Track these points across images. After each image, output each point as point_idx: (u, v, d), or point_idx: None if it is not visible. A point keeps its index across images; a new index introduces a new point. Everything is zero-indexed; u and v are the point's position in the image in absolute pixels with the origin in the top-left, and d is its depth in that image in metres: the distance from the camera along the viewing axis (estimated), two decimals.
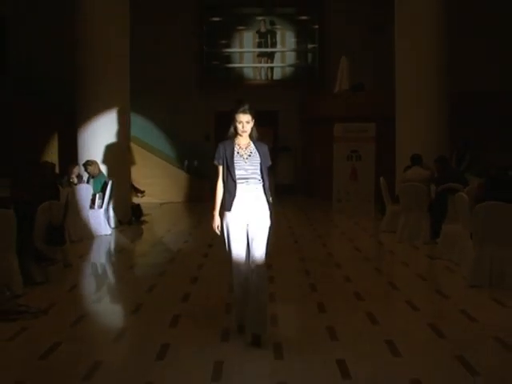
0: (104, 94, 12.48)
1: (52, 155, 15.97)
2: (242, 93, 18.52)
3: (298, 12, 19.69)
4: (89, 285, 7.92)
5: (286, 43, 19.71)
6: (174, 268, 8.56)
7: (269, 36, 19.63)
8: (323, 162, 16.73)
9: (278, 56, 19.78)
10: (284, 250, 9.95)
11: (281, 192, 17.91)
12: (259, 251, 5.11)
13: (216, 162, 5.22)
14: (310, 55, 19.84)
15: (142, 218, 13.12)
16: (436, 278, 8.12)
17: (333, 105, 16.88)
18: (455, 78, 13.37)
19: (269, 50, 19.68)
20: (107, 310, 6.68)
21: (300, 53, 19.85)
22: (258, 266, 5.09)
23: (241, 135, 5.22)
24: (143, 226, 12.67)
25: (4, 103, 16.17)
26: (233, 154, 5.15)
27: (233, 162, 5.12)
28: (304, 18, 19.67)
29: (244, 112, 5.22)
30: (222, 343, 5.12)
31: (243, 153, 5.18)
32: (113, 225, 11.82)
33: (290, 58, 19.83)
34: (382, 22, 17.30)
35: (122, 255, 10.16)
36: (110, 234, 11.29)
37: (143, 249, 10.66)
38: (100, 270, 8.69)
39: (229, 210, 5.14)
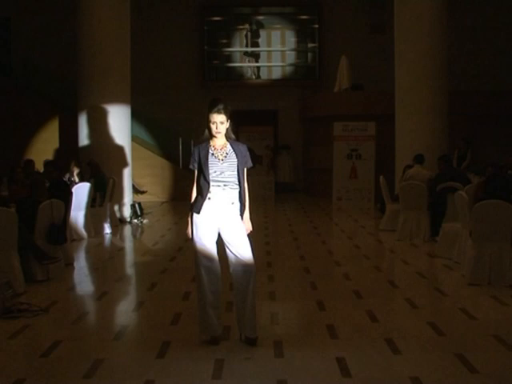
0: (105, 93, 12.53)
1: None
2: (243, 92, 18.60)
3: (298, 11, 19.70)
4: (90, 283, 7.94)
5: (286, 42, 19.72)
6: (174, 266, 8.57)
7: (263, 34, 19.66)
8: (323, 161, 16.77)
9: (278, 55, 19.78)
10: (284, 248, 10.00)
11: (281, 190, 18.00)
12: (244, 253, 5.01)
13: (191, 167, 5.04)
14: (309, 54, 19.85)
15: (143, 217, 13.13)
16: (435, 276, 8.13)
17: (333, 104, 16.91)
18: (455, 78, 13.41)
19: (269, 49, 19.69)
20: (108, 308, 6.70)
21: (300, 52, 19.86)
22: (247, 268, 5.01)
23: (215, 136, 4.99)
24: (144, 225, 12.69)
25: (6, 102, 16.23)
26: (207, 155, 4.95)
27: (207, 163, 4.92)
28: (304, 17, 19.68)
29: (218, 112, 4.91)
30: (223, 341, 5.14)
31: (218, 154, 4.97)
32: (114, 223, 11.84)
33: (290, 57, 19.85)
34: (382, 21, 17.34)
35: (122, 254, 10.18)
36: (111, 233, 11.32)
37: (144, 247, 10.68)
38: (101, 269, 8.71)
39: (198, 212, 4.98)
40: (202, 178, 4.98)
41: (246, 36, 19.48)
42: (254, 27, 19.50)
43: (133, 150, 13.74)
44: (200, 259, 5.04)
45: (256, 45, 19.61)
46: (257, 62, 19.69)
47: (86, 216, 10.69)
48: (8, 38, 18.34)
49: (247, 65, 19.75)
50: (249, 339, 5.07)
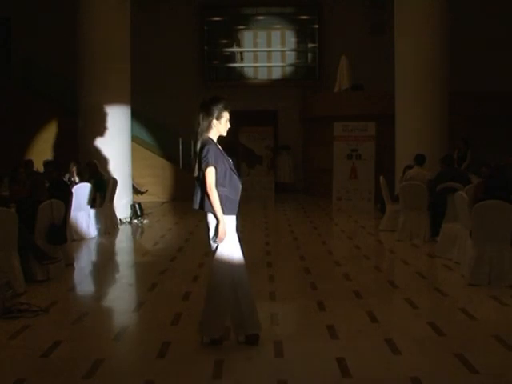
0: (105, 93, 12.53)
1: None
2: (243, 92, 18.61)
3: (298, 11, 19.70)
4: (90, 283, 7.94)
5: (286, 43, 19.72)
6: (175, 266, 8.58)
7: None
8: (323, 161, 16.77)
9: (278, 55, 19.79)
10: (284, 249, 9.99)
11: (281, 190, 18.00)
12: (238, 252, 5.05)
13: (214, 164, 4.78)
14: (309, 55, 19.85)
15: (143, 217, 13.14)
16: (435, 276, 8.14)
17: (333, 104, 16.91)
18: (455, 78, 13.40)
19: (269, 49, 19.69)
20: (108, 308, 6.70)
21: (300, 52, 19.86)
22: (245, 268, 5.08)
23: (224, 135, 4.97)
24: (144, 225, 12.69)
25: (6, 102, 16.22)
26: (224, 155, 4.93)
27: (230, 163, 4.92)
28: (304, 17, 19.68)
29: (229, 109, 4.97)
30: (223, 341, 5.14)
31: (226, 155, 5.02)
32: (114, 223, 11.84)
33: (290, 57, 19.85)
34: (382, 21, 17.33)
35: (122, 254, 10.19)
36: (111, 233, 11.32)
37: (144, 247, 10.68)
38: (101, 269, 8.71)
39: (234, 213, 4.93)
40: (233, 178, 4.89)
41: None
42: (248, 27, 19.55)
43: (133, 150, 13.74)
44: (237, 265, 4.98)
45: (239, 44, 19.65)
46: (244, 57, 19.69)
47: (86, 216, 10.69)
48: (8, 38, 18.36)
49: (247, 65, 19.74)
50: (251, 336, 5.04)
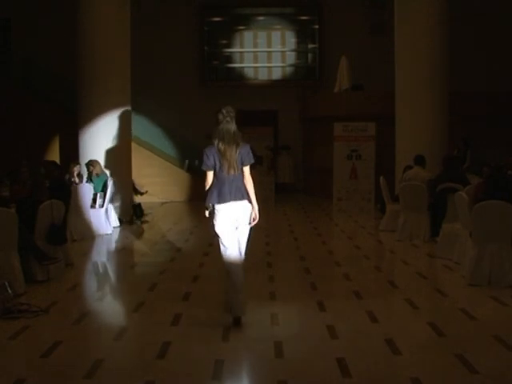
0: (105, 93, 12.50)
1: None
2: (243, 92, 18.61)
3: (298, 12, 19.71)
4: (90, 284, 7.94)
5: (286, 43, 19.73)
6: (174, 267, 8.58)
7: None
8: (323, 161, 16.76)
9: (278, 56, 19.79)
10: (284, 249, 10.00)
11: (281, 190, 18.00)
12: None
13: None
14: (310, 55, 19.86)
15: (143, 218, 13.13)
16: (435, 276, 8.14)
17: (333, 104, 16.90)
18: (455, 78, 13.40)
19: (269, 49, 19.70)
20: (108, 308, 6.70)
21: (300, 53, 19.87)
22: None
23: None
24: (144, 225, 12.69)
25: (6, 102, 16.22)
26: None
27: None
28: (304, 17, 19.69)
29: None
30: (223, 342, 5.15)
31: None
32: (114, 224, 11.84)
33: (290, 57, 19.85)
34: (382, 22, 17.33)
35: (123, 254, 10.17)
36: (111, 233, 11.31)
37: (144, 248, 10.67)
38: (101, 269, 8.71)
39: None
40: None
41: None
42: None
43: (133, 150, 13.73)
44: None
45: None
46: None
47: (87, 216, 10.68)
48: (8, 38, 18.37)
49: (247, 65, 19.75)
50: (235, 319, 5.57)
